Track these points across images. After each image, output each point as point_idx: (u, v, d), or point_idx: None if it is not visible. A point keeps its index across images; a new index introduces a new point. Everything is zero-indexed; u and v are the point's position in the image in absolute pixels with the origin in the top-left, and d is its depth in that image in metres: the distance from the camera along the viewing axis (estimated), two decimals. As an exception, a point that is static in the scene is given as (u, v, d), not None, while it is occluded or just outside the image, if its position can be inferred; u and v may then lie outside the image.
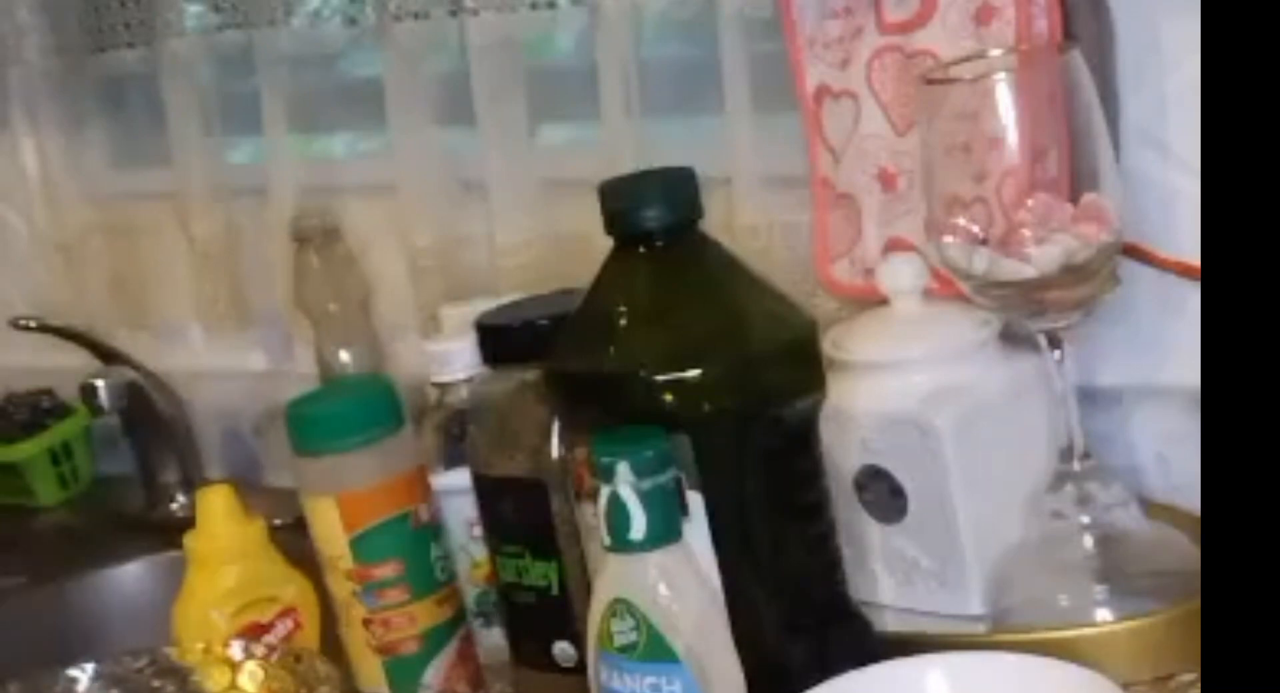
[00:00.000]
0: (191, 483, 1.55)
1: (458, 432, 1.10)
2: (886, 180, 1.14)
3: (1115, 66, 1.06)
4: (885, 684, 0.90)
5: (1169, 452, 1.11)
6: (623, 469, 0.86)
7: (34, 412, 1.67)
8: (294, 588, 1.11)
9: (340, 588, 1.06)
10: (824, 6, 1.16)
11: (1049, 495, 1.02)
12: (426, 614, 1.06)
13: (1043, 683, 0.87)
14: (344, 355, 1.42)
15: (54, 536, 1.63)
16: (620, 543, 0.88)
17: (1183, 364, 1.05)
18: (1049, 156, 0.97)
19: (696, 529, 0.92)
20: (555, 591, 1.04)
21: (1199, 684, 0.95)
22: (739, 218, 1.24)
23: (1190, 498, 1.05)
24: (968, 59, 1.04)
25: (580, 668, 0.96)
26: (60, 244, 1.69)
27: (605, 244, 0.97)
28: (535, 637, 1.06)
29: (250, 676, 1.06)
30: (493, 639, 1.12)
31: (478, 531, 1.09)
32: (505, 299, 1.14)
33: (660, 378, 0.92)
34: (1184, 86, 1.04)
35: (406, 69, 1.40)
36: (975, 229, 0.98)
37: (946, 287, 1.05)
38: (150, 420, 1.57)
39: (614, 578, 0.89)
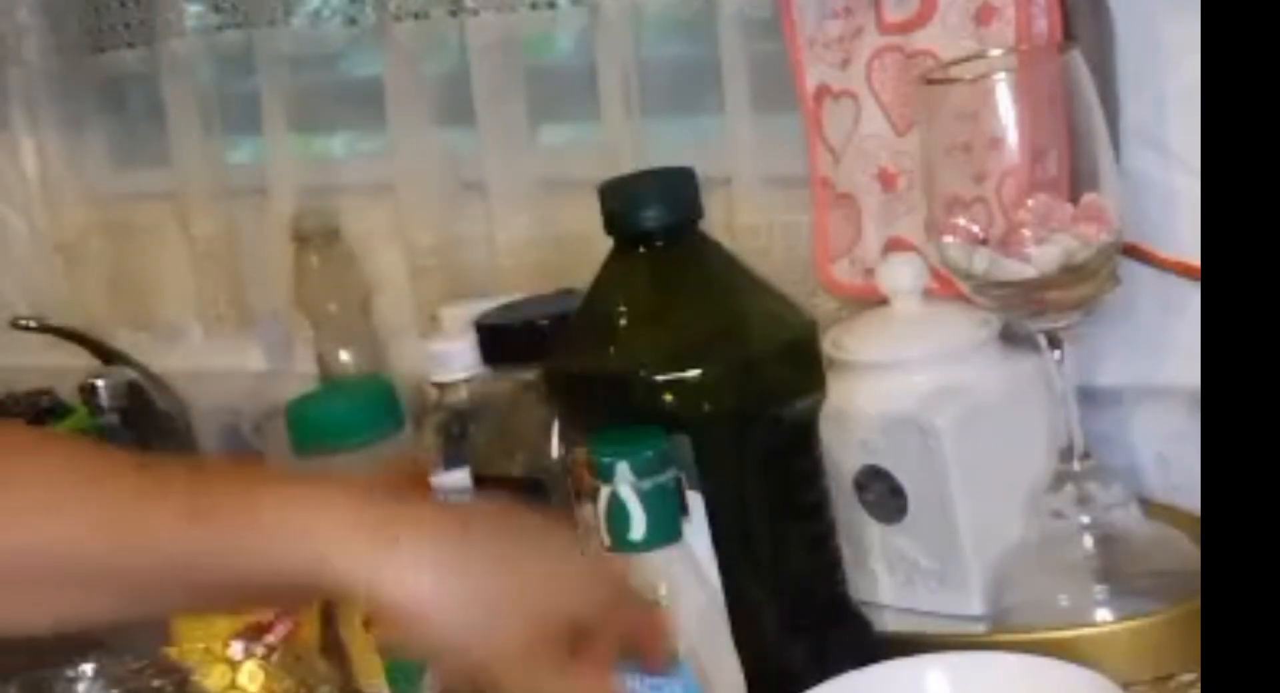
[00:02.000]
0: (191, 483, 1.55)
1: (458, 432, 1.10)
2: (886, 180, 1.14)
3: (1115, 66, 1.06)
4: (885, 684, 0.90)
5: (1169, 452, 1.11)
6: (623, 469, 0.86)
7: (34, 412, 1.67)
8: (294, 588, 1.11)
9: (340, 588, 1.06)
10: (824, 6, 1.16)
11: (1049, 495, 1.02)
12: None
13: (1043, 683, 0.87)
14: (344, 355, 1.42)
15: (54, 535, 1.62)
16: (620, 543, 0.88)
17: (1183, 364, 1.05)
18: (1049, 156, 0.97)
19: (696, 529, 0.92)
20: (555, 591, 1.04)
21: (1199, 684, 0.95)
22: (739, 218, 1.24)
23: (1190, 498, 1.05)
24: (968, 59, 1.04)
25: (580, 668, 0.96)
26: (60, 244, 1.69)
27: (605, 244, 0.97)
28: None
29: (250, 676, 1.06)
30: (493, 639, 1.12)
31: (478, 530, 1.09)
32: (505, 299, 1.14)
33: (660, 378, 0.92)
34: (1184, 87, 1.04)
35: (406, 69, 1.40)
36: (975, 229, 0.98)
37: (946, 287, 1.05)
38: (150, 420, 1.57)
39: (614, 578, 0.89)
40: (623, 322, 0.96)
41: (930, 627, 1.04)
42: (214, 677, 1.06)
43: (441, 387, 1.14)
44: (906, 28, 1.11)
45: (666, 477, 0.87)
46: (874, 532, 1.06)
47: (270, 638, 1.09)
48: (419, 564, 0.74)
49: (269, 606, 0.80)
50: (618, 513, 0.87)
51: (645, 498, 0.86)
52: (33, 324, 1.62)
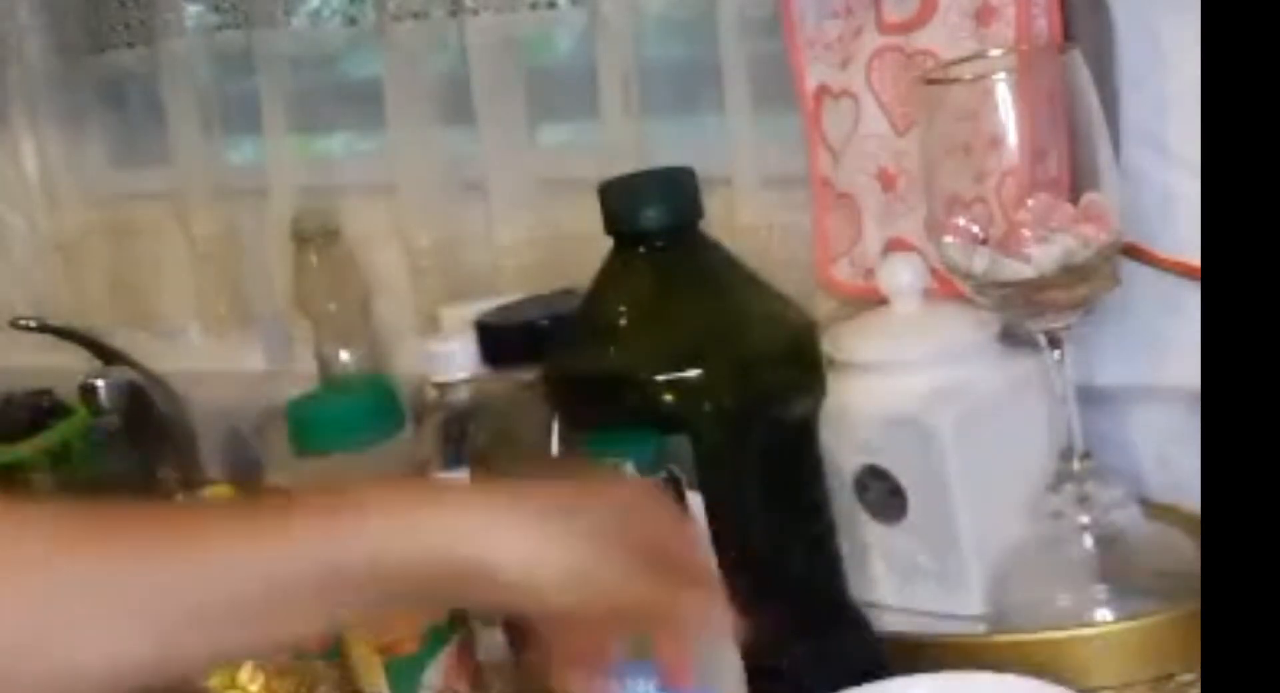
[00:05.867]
0: (191, 483, 1.55)
1: (458, 432, 1.10)
2: (886, 180, 1.14)
3: (1115, 66, 1.06)
4: None
5: (1169, 452, 1.11)
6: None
7: (34, 412, 1.67)
8: (294, 588, 1.11)
9: (340, 588, 1.06)
10: (824, 6, 1.16)
11: (1049, 495, 1.02)
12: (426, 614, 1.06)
13: None
14: (344, 355, 1.42)
15: (54, 536, 1.62)
16: (620, 543, 0.87)
17: (1183, 364, 1.04)
18: (1049, 157, 0.97)
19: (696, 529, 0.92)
20: (555, 591, 1.04)
21: (1199, 684, 0.95)
22: (739, 218, 1.24)
23: (1190, 498, 1.05)
24: (968, 59, 1.04)
25: (580, 668, 0.96)
26: (60, 244, 1.69)
27: (605, 244, 0.97)
28: (535, 637, 1.06)
29: (250, 676, 1.06)
30: (493, 639, 1.12)
31: (478, 531, 1.09)
32: (505, 299, 1.14)
33: (660, 378, 0.92)
34: (1184, 86, 1.04)
35: (406, 69, 1.40)
36: (975, 229, 0.98)
37: (946, 287, 1.05)
38: (150, 420, 1.57)
39: (614, 578, 0.89)
40: (623, 322, 0.96)
41: (930, 627, 1.04)
42: (214, 677, 1.06)
43: (441, 387, 1.14)
44: (906, 28, 1.11)
45: (665, 476, 0.87)
46: (874, 532, 1.06)
47: (270, 638, 1.09)
48: (532, 531, 0.76)
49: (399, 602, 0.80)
50: (618, 513, 0.87)
51: (645, 498, 0.86)
52: (33, 324, 1.62)
